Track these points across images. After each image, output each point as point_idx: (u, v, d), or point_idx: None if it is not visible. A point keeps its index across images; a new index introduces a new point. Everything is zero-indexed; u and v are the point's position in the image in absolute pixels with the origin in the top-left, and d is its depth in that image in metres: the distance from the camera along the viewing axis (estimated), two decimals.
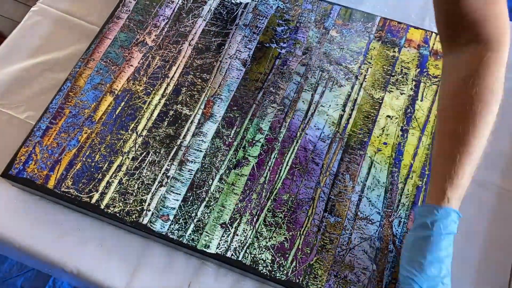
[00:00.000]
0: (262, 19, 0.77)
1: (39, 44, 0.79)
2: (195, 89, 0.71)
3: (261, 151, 0.66)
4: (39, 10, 0.82)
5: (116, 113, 0.68)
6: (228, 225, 0.61)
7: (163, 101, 0.69)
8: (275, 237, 0.61)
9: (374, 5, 0.84)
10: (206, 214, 0.62)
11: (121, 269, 0.61)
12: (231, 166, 0.65)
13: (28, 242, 0.62)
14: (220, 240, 0.60)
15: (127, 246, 0.63)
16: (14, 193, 0.66)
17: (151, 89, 0.70)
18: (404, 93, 0.72)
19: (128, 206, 0.62)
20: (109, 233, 0.63)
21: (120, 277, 0.61)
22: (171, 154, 0.65)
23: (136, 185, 0.63)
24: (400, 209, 0.63)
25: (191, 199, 0.63)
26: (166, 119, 0.68)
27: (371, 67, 0.73)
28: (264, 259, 0.59)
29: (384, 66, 0.74)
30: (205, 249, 0.60)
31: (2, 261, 1.21)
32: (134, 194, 0.63)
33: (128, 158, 0.65)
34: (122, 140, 0.66)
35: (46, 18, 0.81)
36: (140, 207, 0.62)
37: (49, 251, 0.62)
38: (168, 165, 0.65)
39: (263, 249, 0.60)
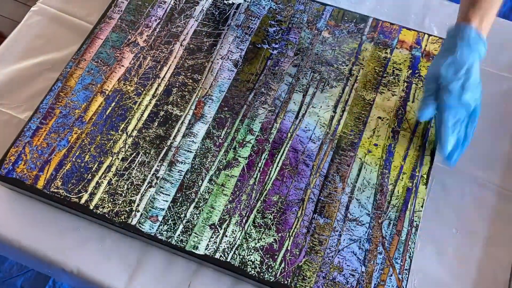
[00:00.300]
0: (254, 20, 0.77)
1: (39, 44, 0.79)
2: (186, 89, 0.71)
3: (252, 152, 0.66)
4: (39, 10, 0.82)
5: (107, 113, 0.68)
6: (217, 226, 0.61)
7: (153, 101, 0.69)
8: (264, 238, 0.61)
9: (375, 5, 0.84)
10: (195, 215, 0.62)
11: (121, 269, 0.61)
12: (221, 167, 0.65)
13: (27, 242, 0.63)
14: (209, 241, 0.60)
15: (127, 246, 0.63)
16: (13, 194, 0.66)
17: (142, 89, 0.70)
18: (395, 95, 0.71)
19: (117, 207, 0.62)
20: (109, 233, 0.63)
21: (120, 277, 0.61)
22: (161, 155, 0.65)
23: (125, 186, 0.63)
24: (389, 211, 0.63)
25: (180, 200, 0.63)
26: (157, 119, 0.68)
27: (362, 68, 0.73)
28: (253, 260, 0.59)
29: (376, 68, 0.73)
30: (193, 250, 0.59)
31: (2, 261, 1.21)
32: (123, 194, 0.63)
33: (118, 158, 0.65)
34: (112, 141, 0.66)
35: (46, 18, 0.81)
36: (129, 207, 0.62)
37: (49, 251, 0.62)
38: (157, 165, 0.65)
39: (252, 250, 0.60)
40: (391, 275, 0.59)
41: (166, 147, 0.66)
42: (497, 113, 0.75)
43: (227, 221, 0.62)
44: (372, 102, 0.71)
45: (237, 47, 0.75)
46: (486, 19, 0.61)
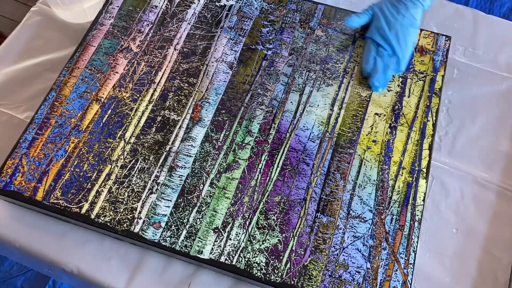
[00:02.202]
0: (247, 21, 0.77)
1: (39, 44, 0.79)
2: (182, 93, 0.70)
3: (251, 154, 0.66)
4: (39, 10, 0.82)
5: (103, 121, 0.67)
6: (221, 229, 0.61)
7: (150, 107, 0.69)
8: (268, 239, 0.61)
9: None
10: (198, 220, 0.61)
11: (121, 269, 0.61)
12: (221, 170, 0.65)
13: (28, 242, 0.62)
14: (213, 245, 0.60)
15: (127, 246, 0.63)
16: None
17: (138, 95, 0.70)
18: (391, 90, 0.72)
19: (119, 215, 0.61)
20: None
21: (120, 277, 0.61)
22: (161, 161, 0.65)
23: (126, 193, 0.63)
24: (391, 206, 0.63)
25: (182, 205, 0.62)
26: (154, 125, 0.67)
27: (357, 65, 0.73)
28: (258, 262, 0.59)
29: None
30: (198, 255, 0.59)
31: (2, 261, 1.21)
32: (124, 202, 0.62)
33: (117, 166, 0.64)
34: (110, 148, 0.65)
35: (46, 18, 0.81)
36: (131, 215, 0.61)
37: (49, 251, 0.62)
38: (157, 171, 0.64)
39: (257, 252, 0.60)
40: (397, 270, 0.59)
41: (165, 153, 0.65)
42: (497, 113, 0.75)
43: (231, 224, 0.61)
44: (368, 99, 0.71)
45: (231, 49, 0.74)
46: None
